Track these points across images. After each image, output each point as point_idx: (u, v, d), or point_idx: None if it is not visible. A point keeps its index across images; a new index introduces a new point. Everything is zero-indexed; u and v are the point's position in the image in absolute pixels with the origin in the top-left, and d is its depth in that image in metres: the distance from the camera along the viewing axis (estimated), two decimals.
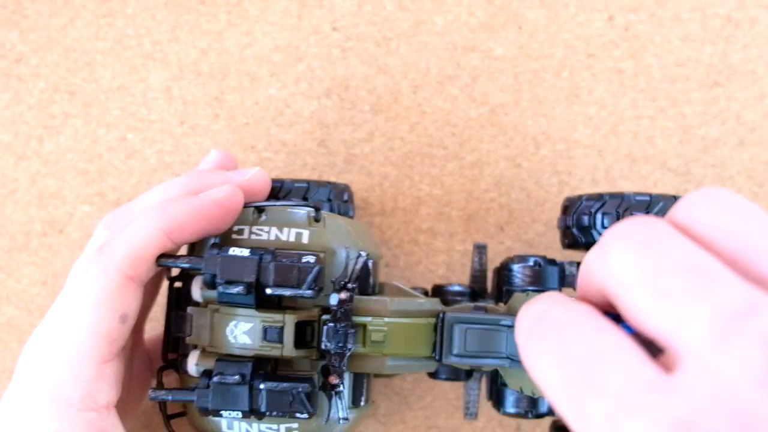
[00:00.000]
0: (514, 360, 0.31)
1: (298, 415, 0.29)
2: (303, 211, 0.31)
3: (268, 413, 0.29)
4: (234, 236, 0.31)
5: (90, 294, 0.29)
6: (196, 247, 0.32)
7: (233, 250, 0.29)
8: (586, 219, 0.35)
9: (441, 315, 0.32)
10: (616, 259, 0.20)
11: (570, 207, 0.36)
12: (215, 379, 0.29)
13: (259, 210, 0.31)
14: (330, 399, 0.31)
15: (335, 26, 0.42)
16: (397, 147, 0.42)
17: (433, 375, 0.35)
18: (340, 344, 0.29)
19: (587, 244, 0.35)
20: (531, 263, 0.34)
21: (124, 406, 0.32)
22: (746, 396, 0.17)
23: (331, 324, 0.29)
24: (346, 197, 0.37)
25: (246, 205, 0.31)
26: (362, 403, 0.33)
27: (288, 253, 0.29)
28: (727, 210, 0.20)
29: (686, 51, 0.42)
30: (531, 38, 0.42)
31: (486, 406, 0.40)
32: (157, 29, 0.42)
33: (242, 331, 0.29)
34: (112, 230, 0.31)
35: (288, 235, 0.31)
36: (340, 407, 0.30)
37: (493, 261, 0.41)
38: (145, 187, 0.41)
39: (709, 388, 0.18)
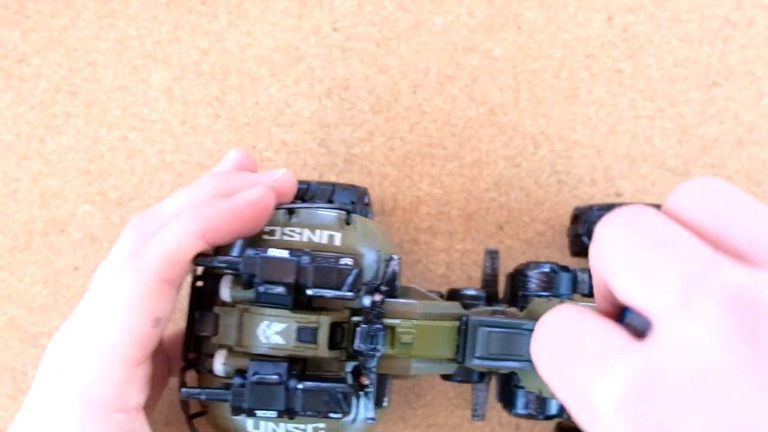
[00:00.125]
0: None
1: (331, 414, 0.29)
2: (332, 214, 0.32)
3: (302, 413, 0.29)
4: (265, 237, 0.31)
5: (124, 297, 0.29)
6: (222, 249, 0.32)
7: (272, 251, 0.29)
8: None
9: (465, 318, 0.33)
10: (604, 244, 0.21)
11: (580, 216, 0.37)
12: (253, 378, 0.29)
13: (290, 211, 0.32)
14: (358, 399, 0.31)
15: (335, 26, 0.43)
16: (397, 147, 0.42)
17: (447, 377, 0.36)
18: (372, 346, 0.30)
19: None
20: (546, 269, 0.35)
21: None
22: (704, 350, 0.18)
23: (364, 325, 0.30)
24: (366, 200, 0.37)
25: (276, 207, 0.31)
26: (384, 404, 0.33)
27: (325, 255, 0.30)
28: (709, 194, 0.21)
29: (685, 51, 0.42)
30: (530, 38, 0.42)
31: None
32: (158, 29, 0.42)
33: (275, 332, 0.29)
34: (142, 233, 0.31)
35: (320, 237, 0.31)
36: (368, 407, 0.31)
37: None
38: (147, 186, 0.42)
39: (672, 346, 0.18)
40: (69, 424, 0.29)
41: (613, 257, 0.21)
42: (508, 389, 0.36)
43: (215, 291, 0.31)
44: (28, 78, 0.42)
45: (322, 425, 0.31)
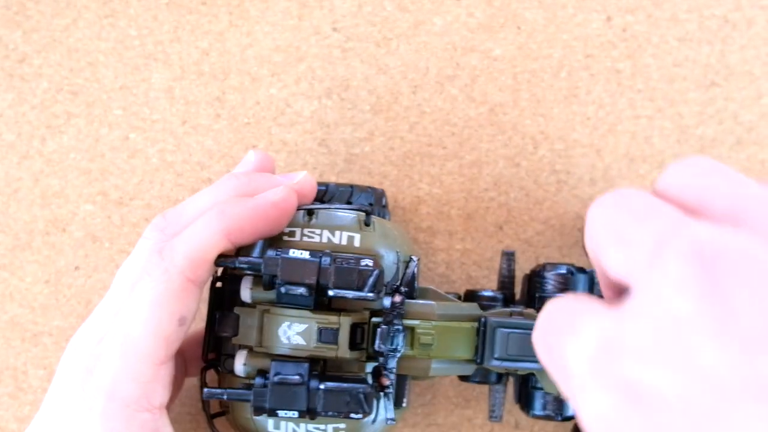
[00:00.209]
0: None
1: (353, 415, 0.29)
2: (351, 215, 0.32)
3: (323, 413, 0.29)
4: (285, 238, 0.31)
5: (150, 296, 0.29)
6: (243, 250, 0.32)
7: (293, 252, 0.29)
8: None
9: (483, 319, 0.33)
10: (593, 226, 0.22)
11: None
12: (275, 378, 0.29)
13: (310, 213, 0.32)
14: (378, 400, 0.31)
15: (335, 27, 0.43)
16: (397, 146, 0.42)
17: (465, 378, 0.36)
18: (393, 346, 0.30)
19: None
20: (563, 271, 0.35)
21: None
22: (668, 303, 0.18)
23: (384, 326, 0.30)
24: (384, 202, 0.38)
25: (298, 208, 0.32)
26: (404, 405, 0.33)
27: (345, 256, 0.30)
28: (696, 171, 0.22)
29: (683, 51, 0.42)
30: (530, 38, 0.43)
31: (483, 406, 0.41)
32: (159, 30, 0.43)
33: (296, 332, 0.30)
34: (165, 233, 0.31)
35: (340, 238, 0.31)
36: (389, 408, 0.31)
37: (493, 260, 0.42)
38: (148, 186, 0.42)
39: (640, 303, 0.19)
40: (92, 422, 0.29)
41: (600, 236, 0.21)
42: (526, 390, 0.36)
43: (234, 292, 0.31)
44: (29, 78, 0.42)
45: (342, 425, 0.31)
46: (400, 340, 0.30)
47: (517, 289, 0.38)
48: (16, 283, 0.41)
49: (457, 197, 0.42)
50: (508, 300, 0.37)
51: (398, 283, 0.31)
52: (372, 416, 0.31)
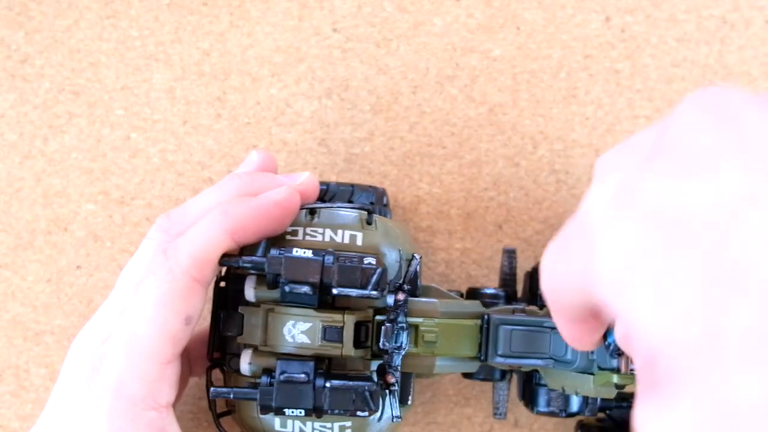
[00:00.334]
0: (558, 360, 0.32)
1: (359, 413, 0.29)
2: (353, 214, 0.32)
3: (329, 411, 0.29)
4: (288, 237, 0.31)
5: (155, 296, 0.29)
6: (246, 249, 0.32)
7: (296, 251, 0.29)
8: None
9: (486, 317, 0.33)
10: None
11: None
12: (281, 377, 0.29)
13: (312, 212, 0.32)
14: (384, 398, 0.31)
15: (335, 27, 0.43)
16: (397, 146, 0.42)
17: (469, 375, 0.36)
18: (397, 344, 0.30)
19: None
20: None
21: None
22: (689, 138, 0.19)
23: (388, 324, 0.30)
24: (385, 201, 0.38)
25: (300, 207, 0.32)
26: (409, 402, 0.33)
27: (348, 255, 0.30)
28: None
29: (682, 51, 0.43)
30: (529, 39, 0.43)
31: (483, 404, 0.41)
32: (160, 30, 0.43)
33: (300, 331, 0.30)
34: (169, 233, 0.31)
35: (342, 237, 0.31)
36: (394, 406, 0.31)
37: (492, 259, 0.42)
38: (149, 185, 0.42)
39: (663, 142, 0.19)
40: (99, 421, 0.29)
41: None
42: (530, 387, 0.36)
43: (238, 291, 0.31)
44: (31, 78, 0.43)
45: (348, 423, 0.31)
46: (404, 337, 0.30)
47: (519, 287, 0.38)
48: (18, 282, 0.42)
49: (456, 197, 0.42)
50: (510, 297, 0.37)
51: (401, 281, 0.31)
52: (378, 414, 0.31)
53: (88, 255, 0.42)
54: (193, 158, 0.42)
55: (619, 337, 0.22)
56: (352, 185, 0.37)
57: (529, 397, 0.36)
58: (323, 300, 0.30)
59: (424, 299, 0.33)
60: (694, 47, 0.42)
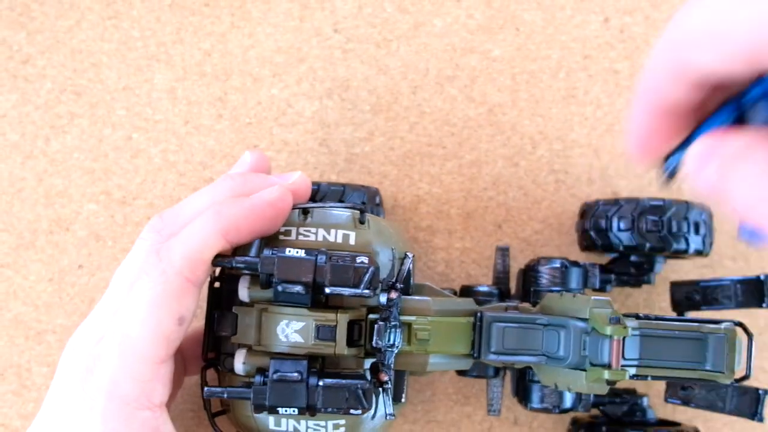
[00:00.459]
0: (550, 357, 0.32)
1: (353, 411, 0.29)
2: (346, 213, 0.32)
3: (323, 409, 0.29)
4: (281, 237, 0.32)
5: (148, 296, 0.29)
6: (239, 250, 0.33)
7: (289, 251, 0.30)
8: (602, 222, 0.37)
9: (479, 314, 0.33)
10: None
11: (587, 212, 0.38)
12: (275, 376, 0.29)
13: (305, 212, 0.32)
14: (377, 396, 0.31)
15: (336, 28, 0.43)
16: (397, 146, 0.42)
17: (463, 372, 0.36)
18: (390, 342, 0.30)
19: (604, 246, 0.37)
20: (557, 265, 0.36)
21: None
22: None
23: (381, 322, 0.30)
24: (377, 200, 0.38)
25: (293, 207, 0.32)
26: (402, 400, 0.33)
27: (341, 254, 0.30)
28: None
29: None
30: (528, 40, 0.43)
31: (482, 402, 0.41)
32: (161, 31, 0.43)
33: (294, 330, 0.30)
34: (162, 234, 0.31)
35: (335, 236, 0.32)
36: (388, 404, 0.31)
37: (491, 258, 0.42)
38: (150, 185, 0.42)
39: None
40: (93, 421, 0.29)
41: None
42: (524, 384, 0.36)
43: (232, 291, 0.32)
44: (33, 78, 0.43)
45: (342, 421, 0.31)
46: (397, 336, 0.30)
47: (512, 284, 0.38)
48: (20, 282, 0.42)
49: (456, 196, 0.42)
50: (503, 295, 0.37)
51: (394, 280, 0.31)
52: (371, 412, 0.31)
53: (90, 255, 0.42)
54: (195, 158, 0.42)
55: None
56: (344, 185, 0.37)
57: (522, 394, 0.37)
58: (316, 299, 0.30)
59: (417, 297, 0.33)
60: None
